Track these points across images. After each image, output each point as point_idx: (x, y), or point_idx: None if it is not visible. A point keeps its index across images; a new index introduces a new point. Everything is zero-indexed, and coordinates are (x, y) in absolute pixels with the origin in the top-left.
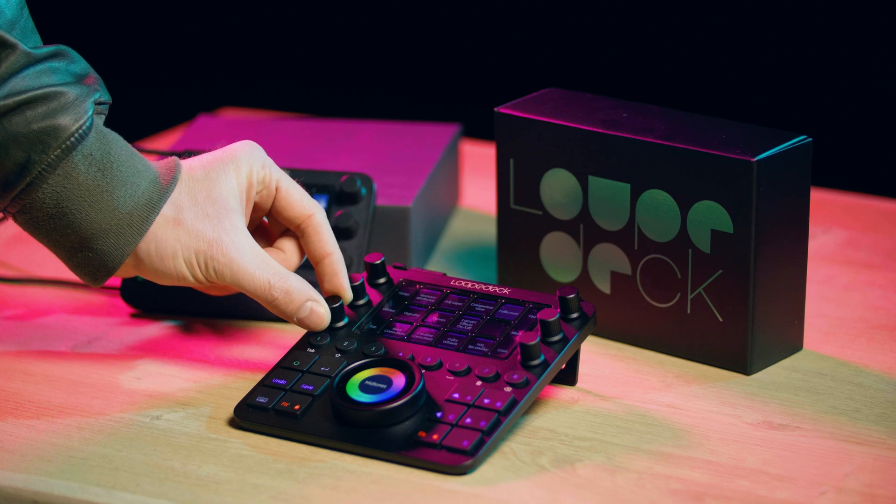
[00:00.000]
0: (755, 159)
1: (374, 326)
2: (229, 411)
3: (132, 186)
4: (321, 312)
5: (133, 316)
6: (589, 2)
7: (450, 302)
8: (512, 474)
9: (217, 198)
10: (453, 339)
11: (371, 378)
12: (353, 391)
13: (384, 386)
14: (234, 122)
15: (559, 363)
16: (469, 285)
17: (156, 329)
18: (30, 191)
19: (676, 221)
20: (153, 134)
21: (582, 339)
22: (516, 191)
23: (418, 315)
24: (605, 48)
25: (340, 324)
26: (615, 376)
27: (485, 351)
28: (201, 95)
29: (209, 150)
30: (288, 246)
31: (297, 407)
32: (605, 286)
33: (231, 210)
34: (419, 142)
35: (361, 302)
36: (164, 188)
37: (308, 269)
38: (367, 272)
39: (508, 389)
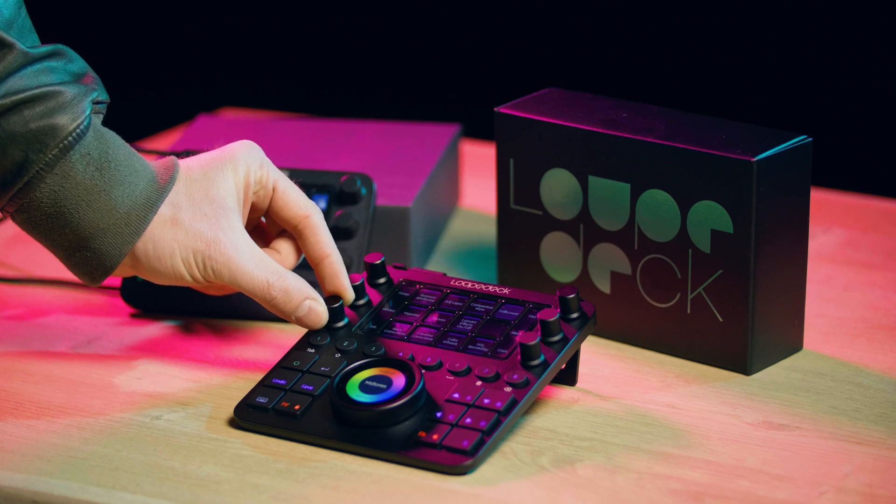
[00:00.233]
0: (755, 159)
1: (374, 326)
2: (229, 411)
3: (130, 186)
4: (319, 311)
5: (133, 316)
6: (589, 2)
7: (450, 302)
8: (512, 474)
9: (215, 197)
10: (453, 339)
11: (371, 378)
12: (353, 391)
13: (384, 386)
14: (234, 122)
15: (559, 363)
16: (469, 285)
17: (156, 329)
18: (27, 190)
19: (676, 221)
20: (153, 134)
21: (582, 339)
22: (516, 191)
23: (418, 315)
24: (605, 48)
25: (340, 324)
26: (615, 376)
27: (485, 351)
28: (201, 95)
29: (208, 150)
30: (284, 247)
31: (297, 407)
32: (605, 286)
33: (229, 210)
34: (419, 142)
35: (361, 302)
36: (161, 188)
37: (307, 269)
38: (367, 272)
39: (508, 389)
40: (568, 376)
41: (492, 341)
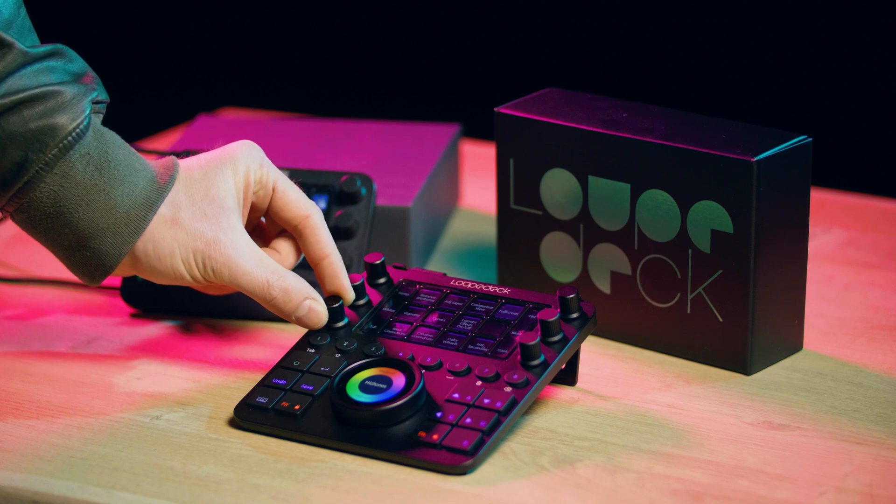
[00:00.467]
0: (755, 159)
1: (374, 326)
2: (229, 411)
3: (130, 186)
4: (319, 311)
5: (133, 316)
6: (589, 2)
7: (450, 302)
8: (512, 474)
9: (214, 197)
10: (453, 339)
11: (371, 378)
12: (353, 391)
13: (384, 386)
14: (234, 122)
15: (559, 363)
16: (469, 285)
17: (156, 329)
18: (27, 190)
19: (676, 221)
20: (153, 134)
21: (582, 339)
22: (516, 191)
23: (418, 315)
24: (605, 48)
25: (340, 324)
26: (615, 376)
27: (485, 351)
28: (201, 95)
29: (208, 150)
30: (284, 246)
31: (297, 407)
32: (605, 286)
33: (228, 209)
34: (419, 142)
35: (361, 302)
36: (161, 187)
37: (307, 269)
38: (367, 272)
39: (508, 389)
40: (568, 376)
41: (492, 341)
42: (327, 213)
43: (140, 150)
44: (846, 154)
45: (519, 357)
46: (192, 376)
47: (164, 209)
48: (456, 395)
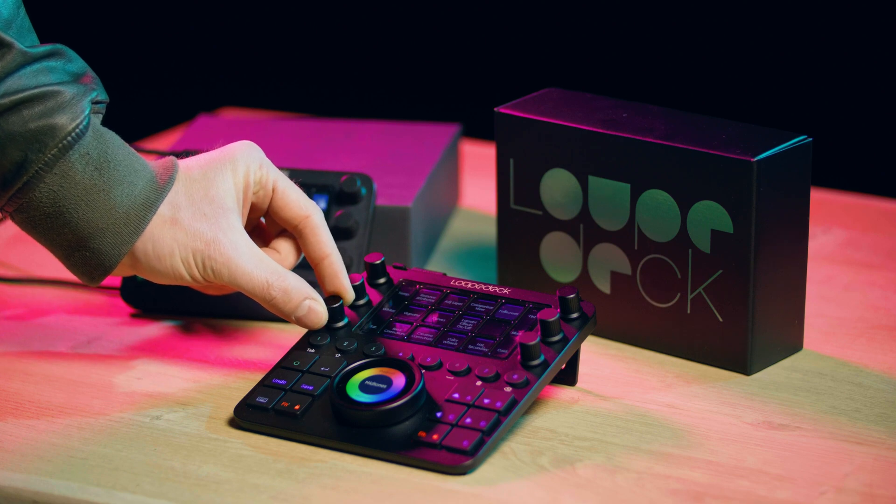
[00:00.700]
0: (755, 159)
1: (374, 326)
2: (229, 411)
3: (129, 186)
4: (319, 311)
5: (133, 316)
6: (589, 2)
7: (450, 302)
8: (512, 474)
9: (214, 197)
10: (453, 339)
11: (371, 378)
12: (353, 391)
13: (384, 386)
14: (234, 122)
15: (559, 363)
16: (469, 285)
17: (156, 329)
18: (26, 190)
19: (676, 221)
20: (153, 134)
21: (582, 339)
22: (516, 191)
23: (418, 315)
24: (605, 48)
25: (340, 324)
26: (615, 376)
27: (485, 351)
28: (201, 95)
29: (208, 150)
30: (284, 246)
31: (297, 407)
32: (605, 286)
33: (228, 210)
34: (419, 142)
35: (361, 302)
36: (161, 188)
37: (307, 269)
38: (367, 272)
39: (508, 389)
40: (568, 376)
41: (492, 341)
42: (327, 213)
43: (140, 150)
44: (846, 154)
45: (519, 357)
46: (192, 376)
47: (163, 209)
48: (456, 395)
